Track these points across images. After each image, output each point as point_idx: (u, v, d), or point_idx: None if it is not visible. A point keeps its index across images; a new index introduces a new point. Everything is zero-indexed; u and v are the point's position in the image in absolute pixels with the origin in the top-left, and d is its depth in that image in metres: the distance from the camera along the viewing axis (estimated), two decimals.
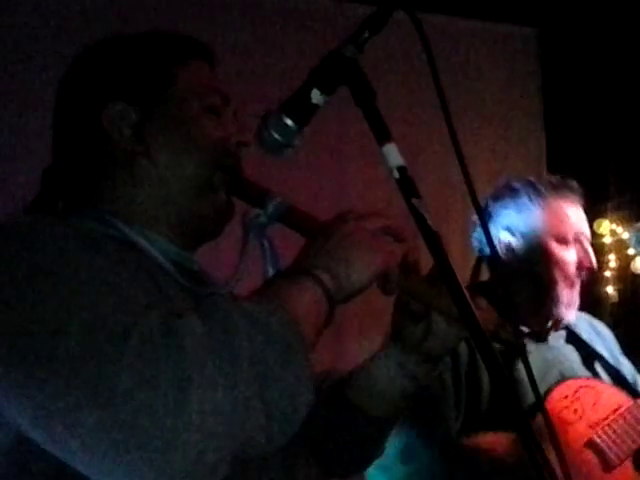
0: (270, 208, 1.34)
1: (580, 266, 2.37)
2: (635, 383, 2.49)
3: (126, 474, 0.99)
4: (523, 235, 2.40)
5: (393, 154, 1.20)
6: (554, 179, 2.47)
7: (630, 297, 3.96)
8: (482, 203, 2.38)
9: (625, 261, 3.85)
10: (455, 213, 3.84)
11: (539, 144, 4.42)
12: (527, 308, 2.38)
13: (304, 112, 1.28)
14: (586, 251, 2.39)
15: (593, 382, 2.38)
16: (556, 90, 4.33)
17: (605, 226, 3.86)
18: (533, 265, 2.37)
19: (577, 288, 2.39)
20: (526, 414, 1.07)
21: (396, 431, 1.58)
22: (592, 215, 3.83)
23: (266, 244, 1.35)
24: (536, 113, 4.42)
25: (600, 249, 3.92)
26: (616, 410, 2.31)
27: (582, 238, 2.40)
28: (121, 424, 0.97)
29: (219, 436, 0.99)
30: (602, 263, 3.94)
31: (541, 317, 2.40)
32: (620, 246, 3.88)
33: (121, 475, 0.99)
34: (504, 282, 1.27)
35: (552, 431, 1.19)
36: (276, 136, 1.28)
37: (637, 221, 3.69)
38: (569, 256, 2.35)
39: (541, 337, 2.41)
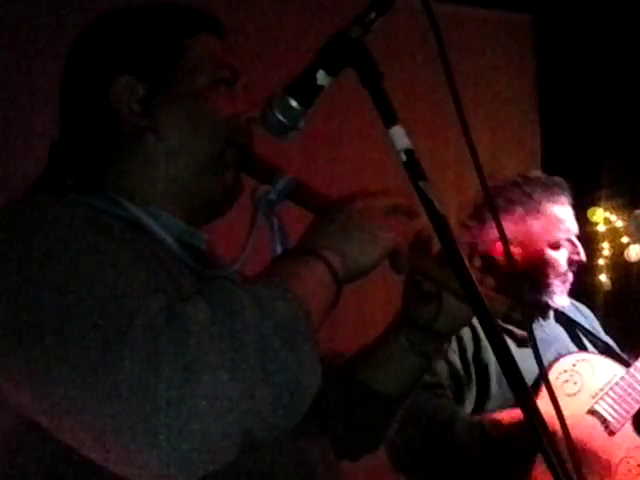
0: (279, 185, 1.32)
1: (571, 261, 2.65)
2: (613, 346, 2.75)
3: (133, 461, 0.98)
4: (521, 243, 2.63)
5: (400, 136, 1.19)
6: (544, 179, 2.69)
7: (623, 285, 3.97)
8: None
9: (618, 249, 3.85)
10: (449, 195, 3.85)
11: (534, 131, 4.43)
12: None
13: (309, 93, 1.26)
14: (576, 248, 2.65)
15: (587, 355, 2.63)
16: (551, 77, 4.33)
17: (599, 214, 3.86)
18: (530, 267, 2.59)
19: (569, 279, 2.67)
20: (530, 393, 1.06)
21: None
22: (586, 203, 3.87)
23: (275, 221, 1.33)
24: (531, 100, 4.43)
25: (594, 237, 3.93)
26: (612, 379, 2.55)
27: (572, 237, 2.66)
28: (127, 413, 0.96)
29: (226, 421, 0.98)
30: (596, 251, 3.95)
31: (535, 304, 2.64)
32: (614, 234, 3.89)
33: (128, 461, 0.98)
34: (511, 261, 1.26)
35: (556, 404, 1.20)
36: (281, 118, 1.26)
37: (630, 208, 3.70)
38: (561, 256, 2.63)
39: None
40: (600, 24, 4.05)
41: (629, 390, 2.53)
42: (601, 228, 3.90)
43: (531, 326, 1.31)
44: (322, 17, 3.82)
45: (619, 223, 3.84)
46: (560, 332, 2.70)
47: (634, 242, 3.44)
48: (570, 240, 2.64)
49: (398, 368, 1.45)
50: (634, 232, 2.55)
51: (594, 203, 3.89)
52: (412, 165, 1.17)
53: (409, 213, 1.26)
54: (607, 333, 2.86)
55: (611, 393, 2.53)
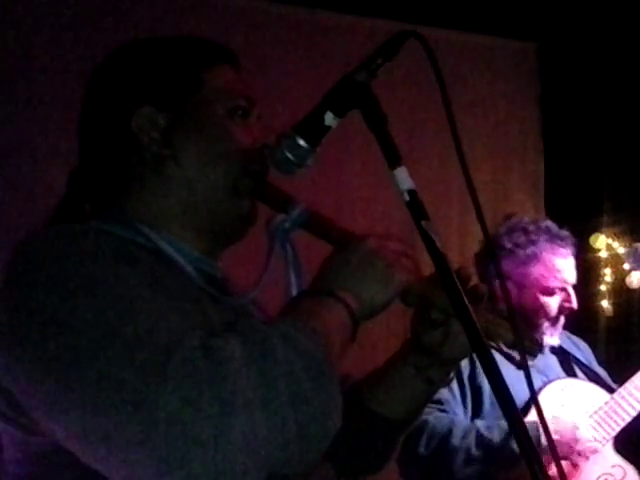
0: (294, 214, 1.36)
1: (562, 308, 2.87)
2: (610, 381, 2.95)
3: None
4: (517, 284, 2.88)
5: (404, 177, 1.24)
6: (552, 229, 2.92)
7: (625, 311, 4.00)
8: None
9: (620, 275, 3.88)
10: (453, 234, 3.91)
11: (537, 158, 4.46)
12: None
13: (317, 133, 1.32)
14: (569, 296, 2.87)
15: (575, 382, 2.88)
16: (554, 104, 4.37)
17: (601, 241, 3.90)
18: (522, 307, 2.84)
19: (561, 321, 2.89)
20: (520, 416, 1.14)
21: None
22: (588, 229, 3.91)
23: (289, 249, 1.38)
24: (535, 127, 4.46)
25: (596, 263, 3.97)
26: (596, 403, 2.79)
27: (567, 286, 2.88)
28: (165, 445, 1.00)
29: (259, 457, 1.03)
30: (597, 277, 3.99)
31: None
32: (616, 260, 3.92)
33: None
34: (508, 300, 1.32)
35: (544, 424, 1.28)
36: (289, 156, 1.32)
37: (632, 235, 3.74)
38: (553, 302, 2.86)
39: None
40: (604, 52, 4.09)
41: (611, 413, 2.76)
42: (603, 254, 3.93)
43: (525, 353, 1.38)
44: (332, 53, 3.88)
45: (621, 250, 3.87)
46: (553, 361, 2.92)
47: (635, 269, 3.48)
48: (564, 289, 2.87)
49: (405, 394, 1.49)
50: (632, 263, 2.61)
51: (596, 229, 3.93)
52: (415, 205, 1.23)
53: (415, 258, 1.34)
54: (605, 360, 3.13)
55: (595, 416, 2.76)
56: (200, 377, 1.03)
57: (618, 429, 2.76)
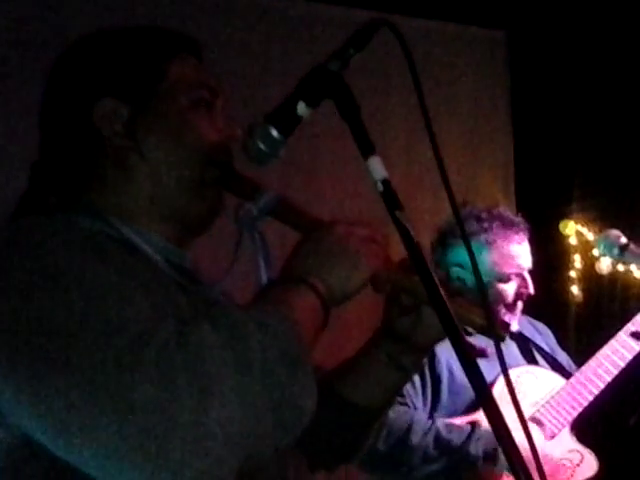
0: (262, 201, 1.36)
1: (519, 295, 2.88)
2: (570, 368, 2.98)
3: None
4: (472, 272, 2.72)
5: (377, 167, 1.24)
6: (505, 216, 2.93)
7: (595, 297, 4.04)
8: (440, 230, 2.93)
9: (590, 262, 3.91)
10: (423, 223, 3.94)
11: (507, 145, 4.48)
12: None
13: (289, 123, 1.32)
14: (525, 282, 2.88)
15: (532, 368, 2.90)
16: (524, 92, 4.39)
17: (571, 227, 3.91)
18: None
19: (518, 307, 2.91)
20: (494, 399, 1.14)
21: None
22: (558, 216, 3.94)
23: (258, 238, 1.37)
24: (504, 115, 4.48)
25: (566, 249, 4.00)
26: (553, 389, 2.83)
27: (522, 272, 2.89)
28: (141, 433, 1.00)
29: (235, 445, 1.04)
30: (567, 263, 4.02)
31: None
32: (585, 247, 3.95)
33: None
34: (480, 283, 1.33)
35: (514, 397, 1.27)
36: (261, 146, 1.31)
37: (601, 222, 3.77)
38: (509, 289, 2.87)
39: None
40: (573, 40, 4.11)
41: (568, 398, 2.80)
42: (573, 241, 3.96)
43: (504, 339, 1.39)
44: (306, 40, 3.87)
45: (590, 236, 3.90)
46: (513, 348, 2.94)
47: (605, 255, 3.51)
48: (520, 275, 2.88)
49: (377, 381, 1.50)
50: (602, 250, 2.61)
51: (566, 216, 3.95)
52: (389, 195, 1.23)
53: (384, 242, 1.34)
54: (575, 346, 3.24)
55: (551, 401, 2.80)
56: (175, 364, 1.03)
57: (575, 414, 2.79)
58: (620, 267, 3.81)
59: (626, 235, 2.79)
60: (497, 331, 1.33)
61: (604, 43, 4.02)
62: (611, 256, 2.69)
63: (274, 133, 1.31)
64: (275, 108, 1.32)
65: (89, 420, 1.02)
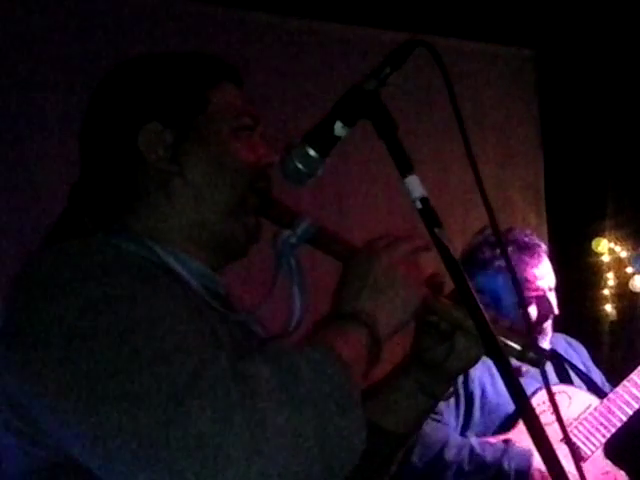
0: (300, 229, 1.36)
1: (542, 317, 2.87)
2: (604, 387, 2.95)
3: None
4: (493, 298, 2.84)
5: (415, 185, 1.24)
6: (520, 239, 2.91)
7: (629, 315, 4.00)
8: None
9: (624, 279, 3.89)
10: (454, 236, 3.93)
11: (537, 163, 4.46)
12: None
13: (327, 143, 1.32)
14: (547, 304, 2.87)
15: (566, 388, 2.87)
16: (554, 110, 4.37)
17: (603, 245, 3.91)
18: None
19: (546, 327, 2.89)
20: (540, 422, 1.16)
21: None
22: (591, 234, 3.92)
23: (294, 265, 1.37)
24: (534, 133, 4.46)
25: (599, 267, 3.97)
26: (587, 408, 2.81)
27: (542, 293, 2.87)
28: (195, 467, 0.99)
29: None
30: (601, 281, 4.00)
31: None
32: (618, 264, 3.93)
33: None
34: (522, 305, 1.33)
35: (558, 414, 1.31)
36: (300, 166, 1.32)
37: (634, 239, 3.75)
38: (530, 312, 2.81)
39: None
40: (602, 58, 4.10)
41: (601, 419, 2.77)
42: (606, 258, 3.94)
43: (544, 365, 1.38)
44: (338, 62, 3.88)
45: (623, 253, 3.88)
46: (547, 367, 2.84)
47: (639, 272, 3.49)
48: (540, 297, 2.86)
49: (406, 407, 1.49)
50: (637, 267, 2.60)
51: (598, 234, 3.93)
52: (427, 213, 1.23)
53: (426, 249, 1.33)
54: (609, 364, 3.17)
55: (585, 422, 2.77)
56: (231, 399, 1.03)
57: (608, 435, 2.76)
58: None
59: None
60: (536, 358, 1.32)
61: (633, 61, 4.00)
62: None
63: (312, 153, 1.32)
64: (312, 128, 1.33)
65: (141, 451, 1.01)
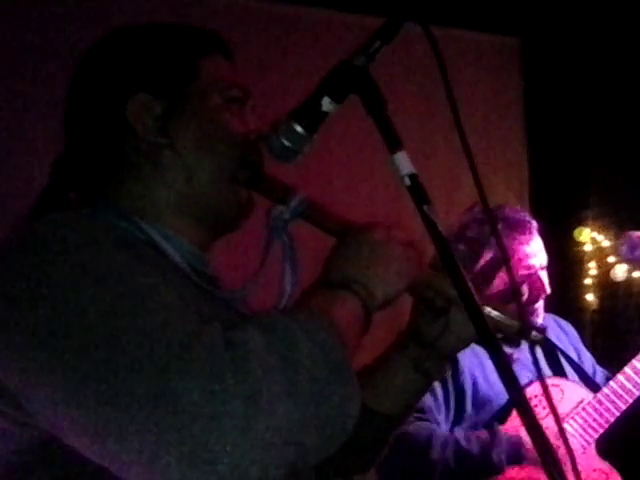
0: (293, 204, 1.34)
1: (533, 296, 2.77)
2: (595, 373, 2.91)
3: None
4: (482, 278, 2.74)
5: (404, 162, 1.22)
6: (507, 216, 2.79)
7: (610, 304, 4.01)
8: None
9: (605, 269, 3.90)
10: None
11: (522, 152, 4.47)
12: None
13: (314, 119, 1.30)
14: (539, 282, 2.77)
15: (559, 381, 2.79)
16: (538, 99, 4.38)
17: (586, 234, 3.91)
18: (489, 299, 2.66)
19: (537, 307, 2.80)
20: (531, 408, 1.13)
21: None
22: (573, 223, 3.92)
23: (287, 241, 1.36)
24: (518, 121, 4.47)
25: (581, 257, 3.98)
26: (579, 403, 2.73)
27: (534, 271, 2.77)
28: (189, 439, 0.97)
29: (282, 453, 1.01)
30: (582, 271, 4.00)
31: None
32: (600, 254, 3.94)
33: None
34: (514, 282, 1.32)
35: (550, 403, 1.28)
36: (286, 143, 1.30)
37: (616, 228, 3.75)
38: (523, 292, 2.73)
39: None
40: (587, 47, 4.10)
41: (594, 415, 2.72)
42: (588, 248, 3.94)
43: (536, 345, 1.36)
44: (329, 43, 3.86)
45: (605, 243, 3.89)
46: (538, 355, 2.78)
47: (620, 262, 3.49)
48: (532, 275, 2.76)
49: (400, 387, 1.48)
50: (624, 253, 2.57)
51: (581, 223, 3.94)
52: (416, 189, 1.21)
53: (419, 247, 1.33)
54: (594, 350, 3.03)
55: (577, 417, 2.71)
56: (223, 369, 1.00)
57: (601, 431, 2.72)
58: (636, 274, 3.82)
59: None
60: (533, 335, 1.31)
61: (618, 50, 4.01)
62: (632, 258, 2.65)
63: (298, 129, 1.30)
64: (300, 104, 1.31)
65: (132, 425, 0.98)
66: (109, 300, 1.04)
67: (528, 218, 2.84)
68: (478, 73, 4.39)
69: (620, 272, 3.66)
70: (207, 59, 1.38)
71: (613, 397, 2.72)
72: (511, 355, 2.20)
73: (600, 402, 2.72)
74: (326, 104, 1.29)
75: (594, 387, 2.81)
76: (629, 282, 3.90)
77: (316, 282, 1.29)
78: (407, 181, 1.21)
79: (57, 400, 1.04)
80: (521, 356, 2.70)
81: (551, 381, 2.78)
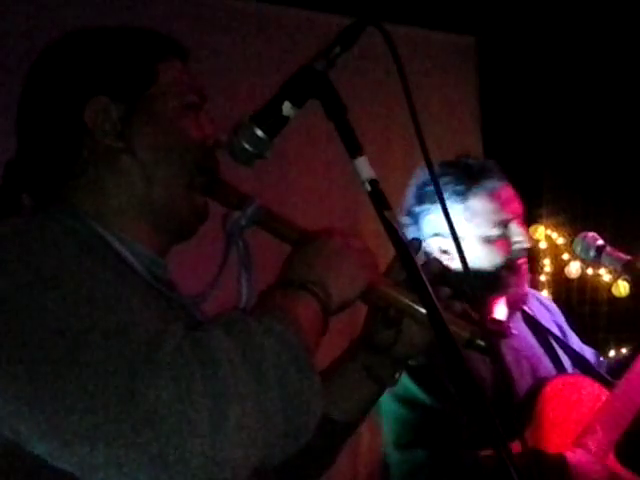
0: (249, 211, 1.35)
1: (515, 254, 2.39)
2: (582, 350, 2.61)
3: None
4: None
5: (364, 167, 1.24)
6: (474, 166, 2.45)
7: (564, 301, 4.06)
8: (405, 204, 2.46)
9: (560, 266, 3.96)
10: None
11: (476, 149, 4.49)
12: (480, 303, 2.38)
13: (275, 124, 1.31)
14: (516, 233, 2.39)
15: (573, 378, 2.47)
16: (494, 98, 4.41)
17: (540, 231, 3.95)
18: (472, 263, 2.23)
19: (521, 269, 2.42)
20: (496, 424, 1.12)
21: None
22: (527, 220, 3.96)
23: (241, 246, 1.36)
24: (473, 120, 4.50)
25: (535, 254, 4.02)
26: (596, 403, 2.39)
27: (508, 222, 2.40)
28: (159, 439, 0.97)
29: (251, 451, 1.02)
30: (537, 268, 4.05)
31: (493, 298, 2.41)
32: (555, 251, 3.98)
33: None
34: (469, 281, 1.32)
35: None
36: (247, 146, 1.31)
37: (571, 226, 3.80)
38: (500, 249, 2.37)
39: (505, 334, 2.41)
40: (542, 45, 4.15)
41: (611, 418, 2.40)
42: (542, 245, 3.99)
43: (494, 352, 1.35)
44: (292, 47, 3.86)
45: (560, 240, 3.94)
46: (529, 337, 2.54)
47: (574, 259, 3.54)
48: (506, 226, 2.40)
49: (354, 394, 1.49)
50: (581, 253, 2.53)
51: (535, 220, 3.98)
52: (377, 195, 1.22)
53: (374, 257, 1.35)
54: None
55: (596, 423, 2.38)
56: (190, 369, 1.01)
57: (617, 435, 2.39)
58: (589, 271, 3.88)
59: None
60: (482, 345, 1.32)
61: (572, 48, 4.06)
62: (587, 258, 2.60)
63: (259, 133, 1.30)
64: (261, 108, 1.32)
65: (101, 428, 0.98)
66: (71, 303, 1.04)
67: (495, 165, 2.50)
68: (435, 71, 4.41)
69: (574, 269, 3.71)
70: (165, 63, 1.37)
71: (627, 397, 2.40)
72: (508, 327, 2.06)
73: (614, 404, 2.41)
74: (287, 108, 1.30)
75: (599, 378, 2.50)
76: (583, 279, 3.96)
77: (274, 284, 1.30)
78: (368, 186, 1.22)
79: (21, 406, 1.03)
80: (516, 343, 2.44)
81: (568, 379, 2.46)
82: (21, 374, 1.03)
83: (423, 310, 1.22)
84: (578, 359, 2.56)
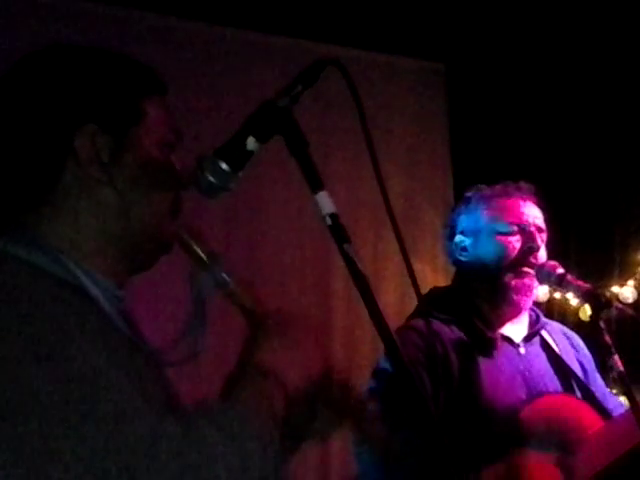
0: (217, 274, 1.39)
1: (526, 250, 2.51)
2: (605, 398, 2.58)
3: None
4: (473, 233, 2.62)
5: (325, 201, 1.27)
6: (509, 183, 2.69)
7: None
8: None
9: None
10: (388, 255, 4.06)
11: (446, 175, 4.53)
12: (488, 306, 2.57)
13: (239, 158, 1.35)
14: (530, 236, 2.53)
15: (567, 399, 2.51)
16: (462, 124, 4.46)
17: None
18: (482, 259, 2.57)
19: (529, 276, 2.52)
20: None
21: None
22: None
23: (200, 306, 1.38)
24: (443, 146, 4.54)
25: None
26: (585, 430, 2.41)
27: (526, 226, 2.55)
28: None
29: None
30: None
31: (500, 310, 2.57)
32: None
33: None
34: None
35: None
36: (211, 179, 1.34)
37: None
38: (512, 242, 2.53)
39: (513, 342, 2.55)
40: (512, 72, 4.21)
41: (601, 445, 2.36)
42: None
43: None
44: (241, 69, 3.91)
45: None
46: (542, 362, 2.58)
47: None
48: (525, 230, 2.55)
49: None
50: (540, 280, 2.56)
51: None
52: (337, 229, 1.26)
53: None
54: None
55: (583, 449, 2.36)
56: (187, 470, 1.09)
57: (607, 462, 2.24)
58: (557, 295, 3.92)
59: (563, 266, 2.66)
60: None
61: (539, 74, 4.12)
62: (549, 284, 2.66)
63: (224, 167, 1.34)
64: (225, 142, 1.35)
65: None
66: (62, 381, 1.08)
67: (529, 186, 2.70)
68: (405, 96, 4.46)
69: (542, 293, 3.75)
70: (150, 100, 1.37)
71: (622, 430, 2.30)
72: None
73: (606, 435, 2.39)
74: (251, 143, 1.33)
75: (601, 412, 2.48)
76: (551, 302, 4.01)
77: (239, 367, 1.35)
78: (328, 220, 1.26)
79: None
80: (520, 364, 2.52)
81: (561, 399, 2.50)
82: (20, 463, 1.08)
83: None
84: (589, 397, 2.53)
